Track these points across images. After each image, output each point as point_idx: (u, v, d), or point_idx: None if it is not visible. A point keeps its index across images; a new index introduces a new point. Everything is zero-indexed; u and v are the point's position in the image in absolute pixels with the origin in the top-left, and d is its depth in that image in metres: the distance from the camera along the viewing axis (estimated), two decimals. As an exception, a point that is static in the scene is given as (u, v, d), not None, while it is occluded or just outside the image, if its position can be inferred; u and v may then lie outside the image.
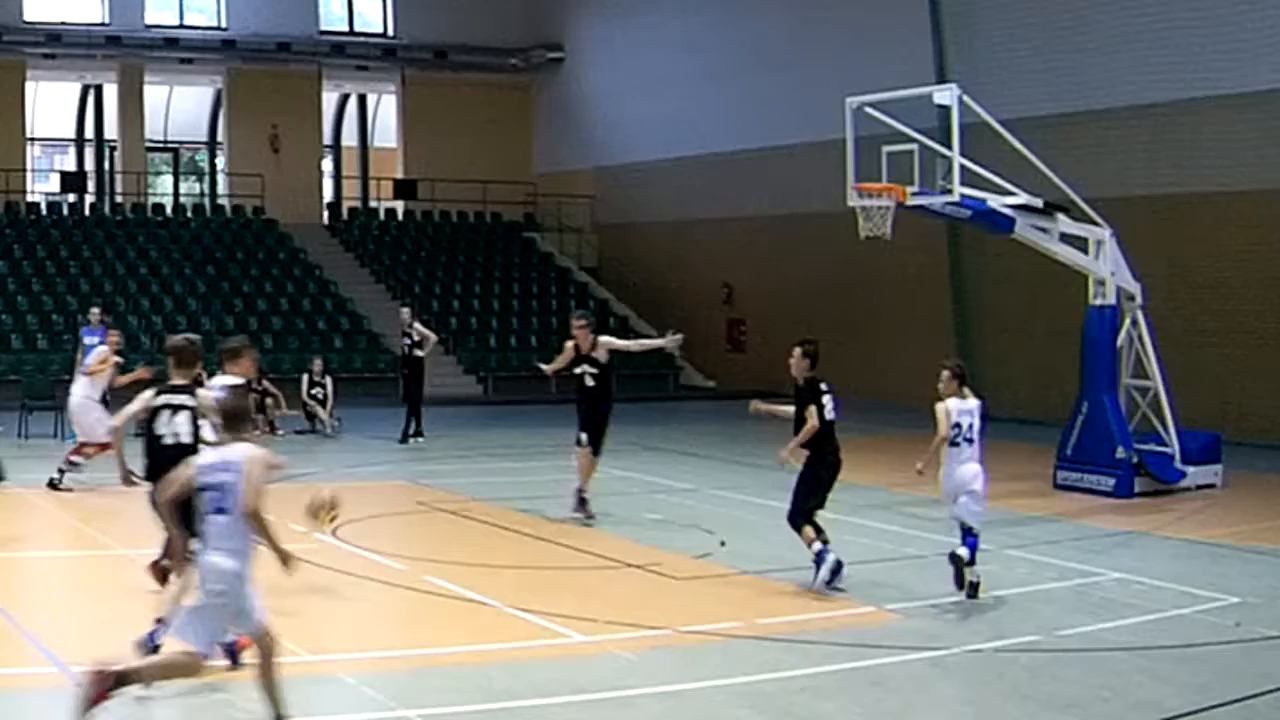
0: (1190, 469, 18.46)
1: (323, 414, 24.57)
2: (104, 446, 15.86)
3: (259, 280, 34.43)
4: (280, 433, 23.96)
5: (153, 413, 9.46)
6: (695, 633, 10.74)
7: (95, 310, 23.69)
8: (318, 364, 25.25)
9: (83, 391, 17.99)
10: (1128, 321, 18.54)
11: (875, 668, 9.90)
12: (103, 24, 36.55)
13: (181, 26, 37.73)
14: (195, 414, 9.41)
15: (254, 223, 37.16)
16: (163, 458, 9.18)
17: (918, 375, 18.27)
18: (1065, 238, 18.40)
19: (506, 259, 38.40)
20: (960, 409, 11.98)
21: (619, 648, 10.11)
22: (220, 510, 7.76)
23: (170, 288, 33.15)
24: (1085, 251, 18.47)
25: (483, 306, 35.72)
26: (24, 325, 30.53)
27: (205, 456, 8.02)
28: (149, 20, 37.04)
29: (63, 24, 36.22)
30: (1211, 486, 18.61)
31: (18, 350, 29.48)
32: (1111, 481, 17.66)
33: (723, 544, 13.63)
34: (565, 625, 10.74)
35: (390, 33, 40.11)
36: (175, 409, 9.39)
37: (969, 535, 12.07)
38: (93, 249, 34.10)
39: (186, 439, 9.34)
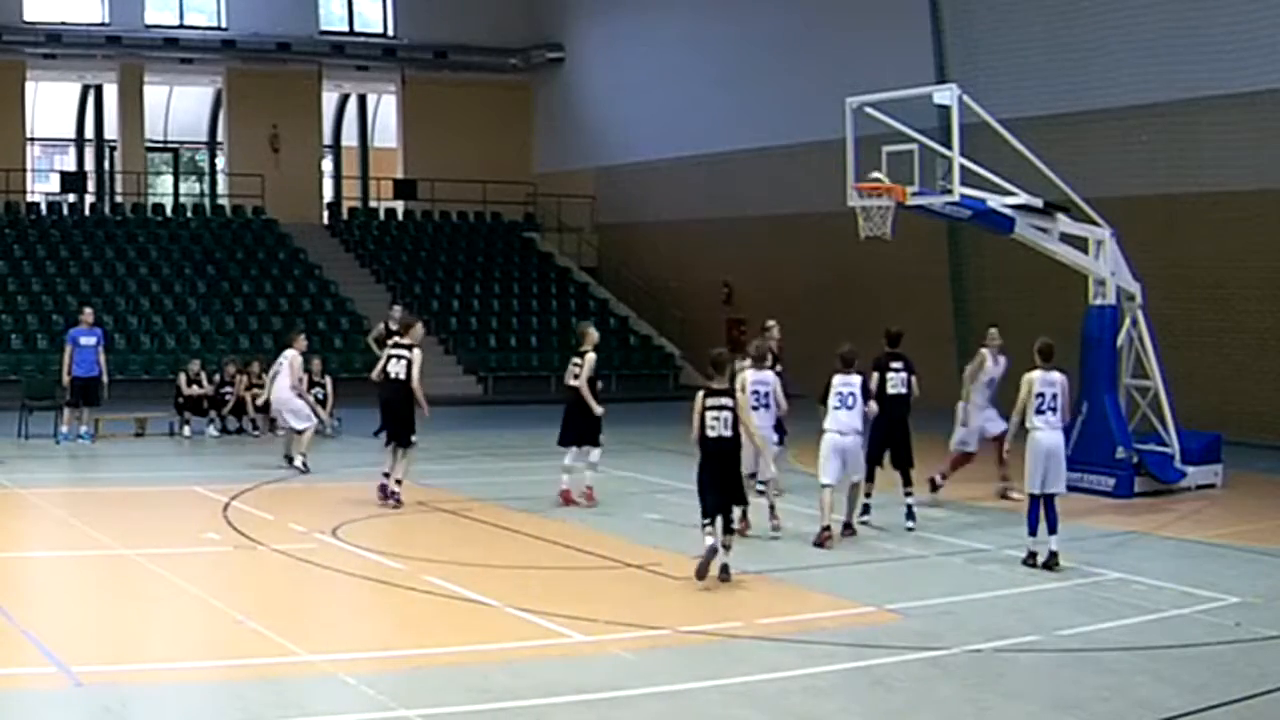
0: (1190, 469, 18.43)
1: (322, 414, 24.52)
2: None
3: (259, 280, 34.42)
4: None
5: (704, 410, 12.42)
6: (695, 633, 10.73)
7: (89, 310, 23.68)
8: (317, 364, 25.18)
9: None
10: (1128, 321, 18.51)
11: (875, 668, 9.89)
12: (103, 24, 36.53)
13: (181, 26, 37.70)
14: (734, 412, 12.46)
15: (254, 223, 37.15)
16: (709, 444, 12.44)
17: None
18: (1065, 238, 18.37)
19: (506, 259, 38.40)
20: (1043, 380, 13.23)
21: (619, 648, 10.10)
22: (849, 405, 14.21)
23: (170, 288, 33.15)
24: (1085, 251, 18.45)
25: (483, 306, 35.72)
26: (24, 325, 30.54)
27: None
28: (149, 20, 37.03)
29: (63, 24, 36.20)
30: (1211, 486, 18.59)
31: (18, 350, 29.49)
32: (1111, 481, 17.63)
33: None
34: (565, 625, 10.73)
35: (390, 33, 40.10)
36: (720, 409, 12.38)
37: (1050, 507, 13.16)
38: (93, 249, 34.10)
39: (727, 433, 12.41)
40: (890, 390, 15.45)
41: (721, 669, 9.69)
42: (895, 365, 15.61)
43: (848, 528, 14.79)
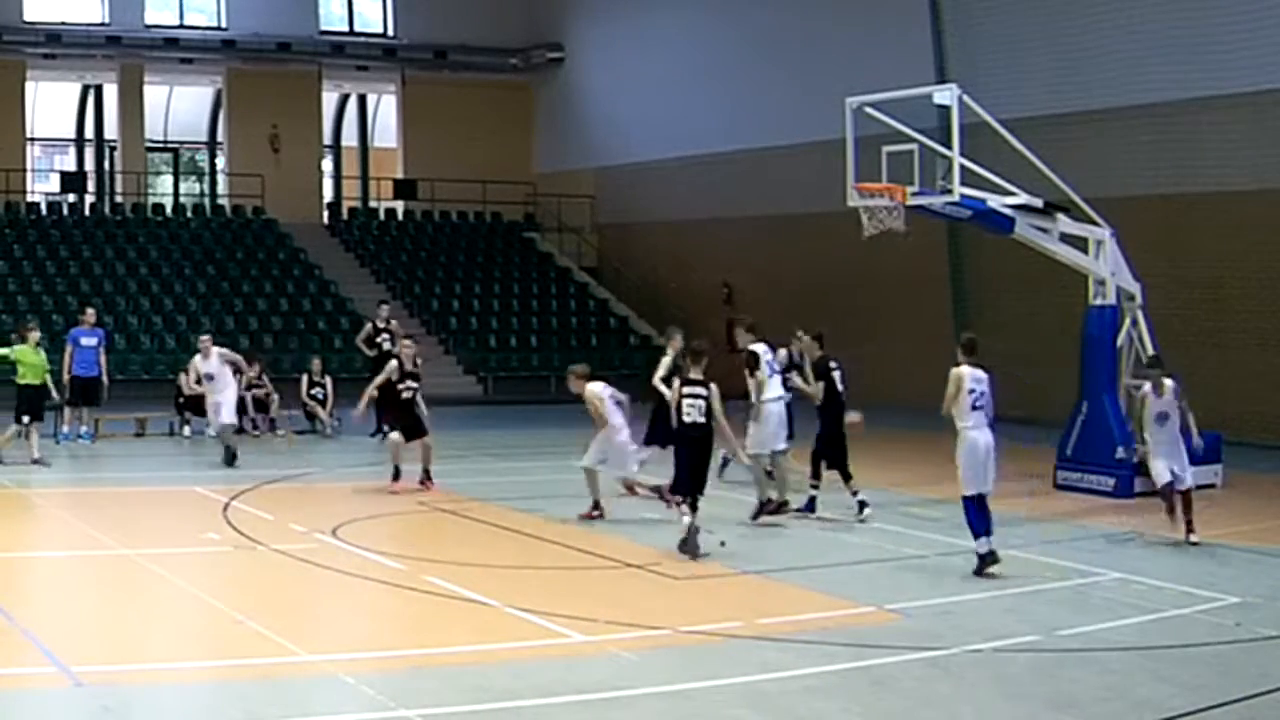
0: (1190, 469, 18.40)
1: (322, 414, 24.56)
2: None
3: (259, 280, 34.42)
4: (280, 432, 23.95)
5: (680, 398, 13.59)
6: (695, 633, 10.73)
7: (91, 311, 23.66)
8: (317, 364, 25.23)
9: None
10: (1128, 321, 18.52)
11: (875, 668, 9.89)
12: (103, 24, 36.52)
13: (181, 26, 37.69)
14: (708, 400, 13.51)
15: (254, 223, 37.15)
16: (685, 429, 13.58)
17: (918, 375, 18.23)
18: (1065, 238, 18.38)
19: (506, 259, 38.40)
20: (973, 376, 13.10)
21: (619, 648, 10.10)
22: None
23: (170, 288, 33.14)
24: (1085, 251, 18.46)
25: (483, 306, 35.71)
26: (24, 325, 30.49)
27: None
28: (149, 20, 37.01)
29: (63, 24, 36.20)
30: (1211, 486, 18.55)
31: (18, 350, 29.44)
32: (1111, 481, 17.63)
33: (722, 544, 13.66)
34: (565, 625, 10.73)
35: (390, 33, 40.09)
36: (695, 397, 13.51)
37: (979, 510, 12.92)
38: (93, 249, 34.10)
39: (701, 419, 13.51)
40: (839, 388, 15.97)
41: (721, 669, 9.68)
42: (833, 364, 16.06)
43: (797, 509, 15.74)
